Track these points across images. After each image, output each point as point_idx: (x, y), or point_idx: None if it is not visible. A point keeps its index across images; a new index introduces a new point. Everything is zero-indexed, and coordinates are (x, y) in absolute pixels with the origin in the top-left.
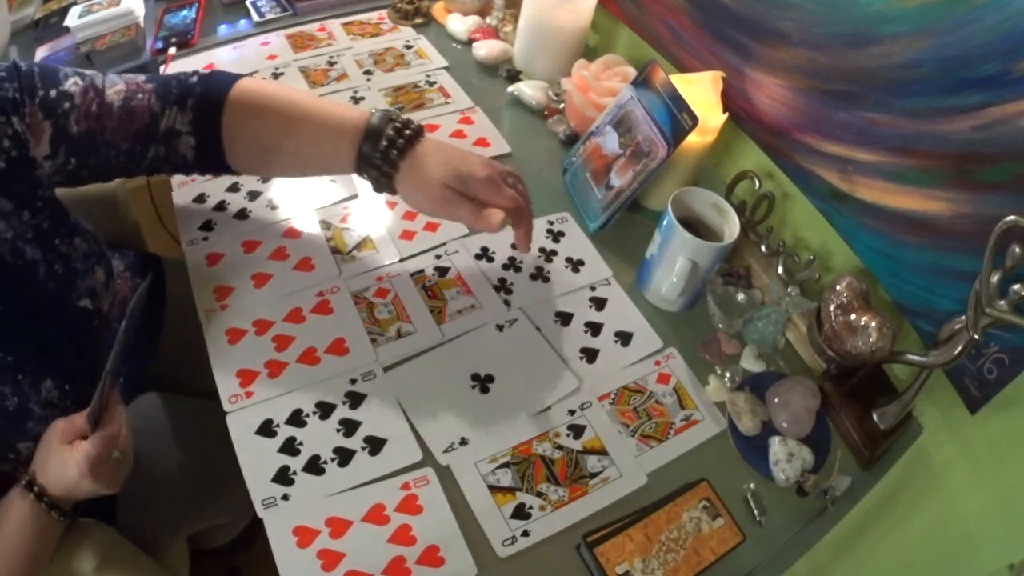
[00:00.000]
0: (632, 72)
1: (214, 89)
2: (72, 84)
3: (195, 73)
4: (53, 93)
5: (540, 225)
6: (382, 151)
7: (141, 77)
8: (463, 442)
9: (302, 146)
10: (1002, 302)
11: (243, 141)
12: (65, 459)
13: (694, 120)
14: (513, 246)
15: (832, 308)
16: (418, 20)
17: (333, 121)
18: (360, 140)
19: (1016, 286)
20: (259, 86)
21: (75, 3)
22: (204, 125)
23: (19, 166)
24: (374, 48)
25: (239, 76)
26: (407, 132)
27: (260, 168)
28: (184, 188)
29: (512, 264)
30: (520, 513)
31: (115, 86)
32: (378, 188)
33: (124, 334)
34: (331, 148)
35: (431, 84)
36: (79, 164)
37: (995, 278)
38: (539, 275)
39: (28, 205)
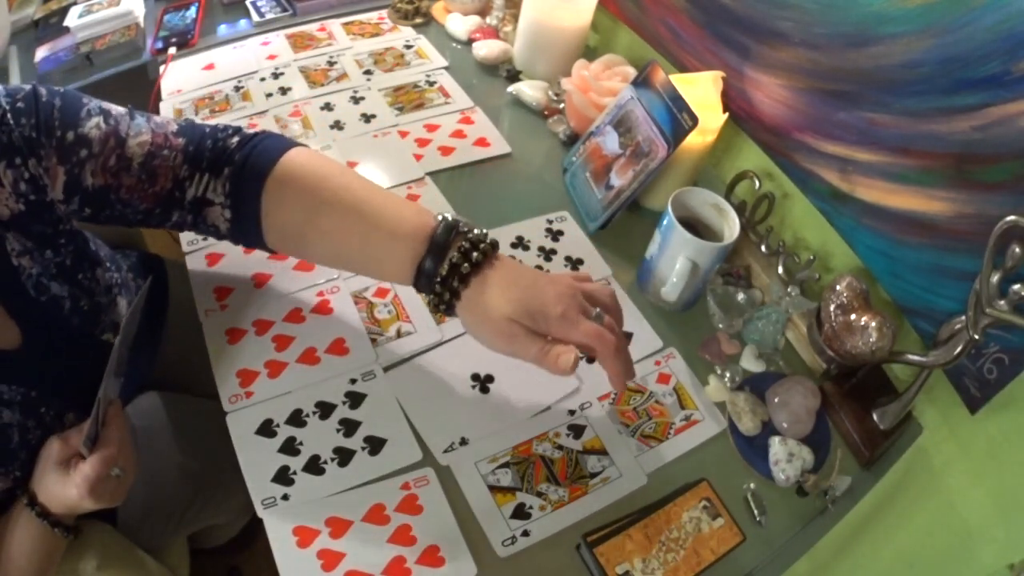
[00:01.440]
0: (632, 72)
1: (256, 161)
2: (93, 127)
3: (237, 132)
4: (71, 136)
5: (539, 224)
6: (443, 276)
7: (173, 126)
8: (463, 442)
9: (351, 246)
10: (1002, 302)
11: (283, 227)
12: (64, 480)
13: (694, 120)
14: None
15: (832, 308)
16: (418, 20)
17: (390, 225)
18: (422, 256)
19: (1016, 286)
20: (309, 165)
21: (75, 3)
22: (241, 199)
23: (38, 209)
24: (374, 48)
25: (287, 146)
26: (475, 255)
27: (302, 257)
28: None
29: None
30: (520, 513)
31: (139, 136)
32: (435, 311)
33: (118, 349)
34: (386, 256)
35: (431, 84)
36: (94, 214)
37: (995, 278)
38: None
39: (50, 244)
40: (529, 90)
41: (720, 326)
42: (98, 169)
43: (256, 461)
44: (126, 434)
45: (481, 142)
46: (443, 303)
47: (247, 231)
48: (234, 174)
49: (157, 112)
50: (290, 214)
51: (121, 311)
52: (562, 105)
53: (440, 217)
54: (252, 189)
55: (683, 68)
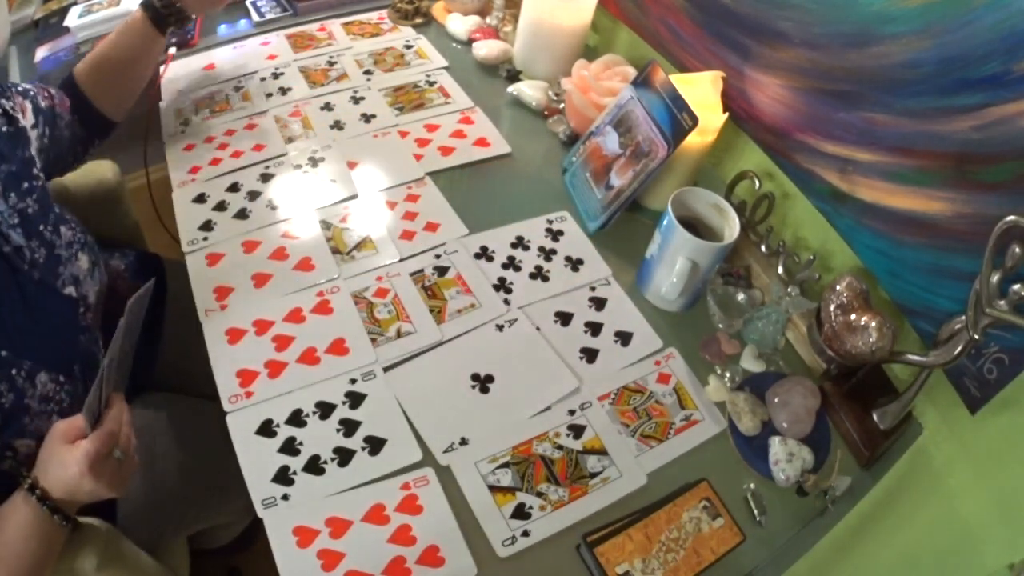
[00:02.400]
0: (632, 72)
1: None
2: (26, 81)
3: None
4: (20, 87)
5: (539, 224)
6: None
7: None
8: (463, 442)
9: (122, 51)
10: (1002, 302)
11: (94, 85)
12: (65, 458)
13: (694, 120)
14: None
15: (832, 308)
16: (418, 20)
17: (126, 22)
18: (144, 8)
19: (1016, 286)
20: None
21: (75, 3)
22: (71, 95)
23: (13, 140)
24: (374, 48)
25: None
26: None
27: (119, 95)
28: (184, 188)
29: (511, 263)
30: (520, 513)
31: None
32: (177, 22)
33: (125, 322)
34: (134, 33)
35: (431, 84)
36: (50, 138)
37: (995, 278)
38: (538, 274)
39: (16, 185)
40: (529, 90)
41: (720, 326)
42: (42, 96)
43: (256, 461)
44: (128, 419)
45: (481, 142)
46: (171, 11)
47: (83, 106)
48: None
49: (157, 113)
50: (94, 76)
51: (82, 267)
52: (562, 105)
53: None
54: (71, 83)
55: (683, 68)
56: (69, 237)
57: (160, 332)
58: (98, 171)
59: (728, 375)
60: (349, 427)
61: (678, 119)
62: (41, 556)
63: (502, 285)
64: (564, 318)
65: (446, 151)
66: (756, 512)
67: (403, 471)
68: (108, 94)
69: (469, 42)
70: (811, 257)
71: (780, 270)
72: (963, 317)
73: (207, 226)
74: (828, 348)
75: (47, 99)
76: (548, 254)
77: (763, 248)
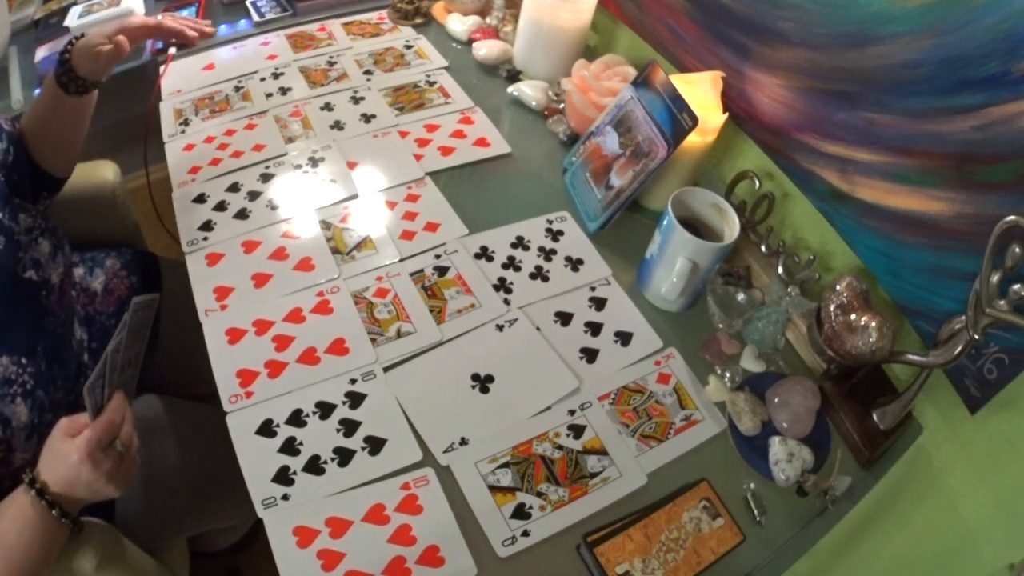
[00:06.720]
0: (632, 72)
1: None
2: None
3: None
4: None
5: (539, 224)
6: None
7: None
8: (463, 442)
9: (44, 113)
10: (1002, 302)
11: (31, 142)
12: (66, 449)
13: (694, 120)
14: None
15: (832, 308)
16: (418, 20)
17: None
18: (54, 72)
19: (1016, 286)
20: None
21: (75, 3)
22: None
23: None
24: (374, 48)
25: None
26: (68, 45)
27: (54, 154)
28: (184, 188)
29: (512, 263)
30: (520, 513)
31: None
32: (76, 90)
33: (130, 320)
34: (48, 95)
35: (431, 84)
36: (15, 157)
37: (995, 278)
38: (539, 274)
39: None
40: (529, 90)
41: (720, 326)
42: (8, 121)
43: (256, 461)
44: (130, 416)
45: (481, 142)
46: (71, 79)
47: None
48: None
49: (157, 113)
50: (27, 132)
51: (44, 251)
52: (562, 105)
53: None
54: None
55: (683, 68)
56: (28, 223)
57: (158, 332)
58: (98, 171)
59: (728, 375)
60: (349, 427)
61: (678, 119)
62: (38, 551)
63: (502, 285)
64: (564, 318)
65: (446, 151)
66: (756, 512)
67: (403, 471)
68: (44, 152)
69: (469, 42)
70: (811, 257)
71: (780, 270)
72: (963, 317)
73: (207, 226)
74: (828, 348)
75: (12, 127)
76: (548, 254)
77: (763, 248)
